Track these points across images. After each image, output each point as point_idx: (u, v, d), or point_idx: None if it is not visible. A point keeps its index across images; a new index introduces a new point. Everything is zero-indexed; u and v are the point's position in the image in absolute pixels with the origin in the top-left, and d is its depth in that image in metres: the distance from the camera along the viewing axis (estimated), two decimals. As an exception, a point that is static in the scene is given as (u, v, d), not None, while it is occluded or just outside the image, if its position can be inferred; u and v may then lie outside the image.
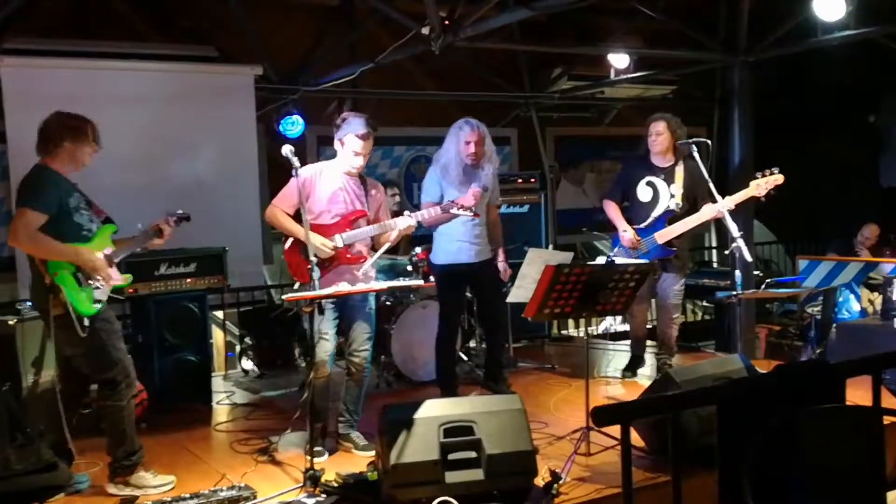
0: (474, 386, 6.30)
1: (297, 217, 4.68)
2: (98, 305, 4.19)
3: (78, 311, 4.08)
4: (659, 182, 5.99)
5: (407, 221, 4.85)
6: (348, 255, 4.79)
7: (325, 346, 4.75)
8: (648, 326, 6.70)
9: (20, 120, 6.46)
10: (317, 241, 4.66)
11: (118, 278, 4.36)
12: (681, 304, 6.32)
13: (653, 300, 6.47)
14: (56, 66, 6.66)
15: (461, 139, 5.46)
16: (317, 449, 4.59)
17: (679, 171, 5.94)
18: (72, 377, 4.44)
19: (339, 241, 4.75)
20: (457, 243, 5.53)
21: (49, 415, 4.53)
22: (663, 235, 5.89)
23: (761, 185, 5.54)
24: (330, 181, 4.81)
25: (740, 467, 2.44)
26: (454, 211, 5.00)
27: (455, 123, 5.55)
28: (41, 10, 7.19)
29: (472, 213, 5.05)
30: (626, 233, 5.94)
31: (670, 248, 5.95)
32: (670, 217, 5.92)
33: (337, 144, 4.83)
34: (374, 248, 5.00)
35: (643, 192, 6.02)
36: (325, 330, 4.71)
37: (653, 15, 7.49)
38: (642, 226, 5.98)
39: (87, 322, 4.12)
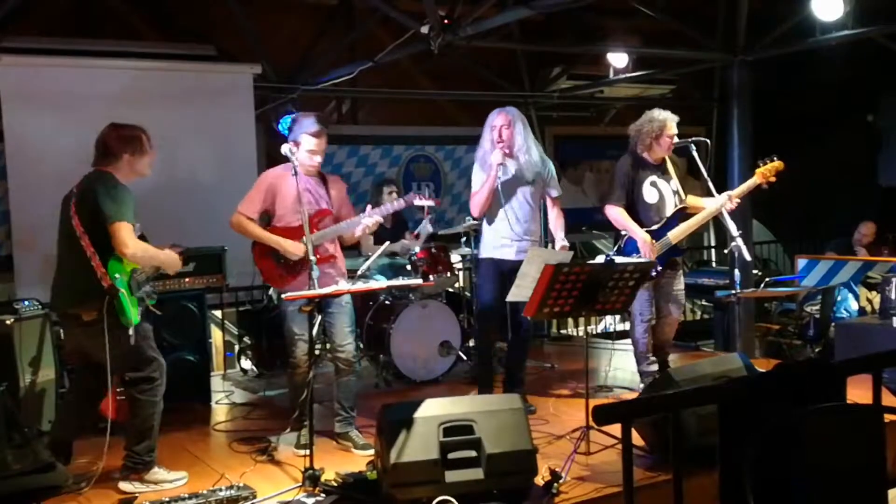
0: (473, 386, 6.29)
1: (262, 222, 4.84)
2: (140, 317, 4.29)
3: (130, 318, 4.16)
4: (660, 181, 5.76)
5: (371, 219, 4.87)
6: (318, 256, 4.74)
7: (303, 348, 4.79)
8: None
9: (19, 119, 6.46)
10: (286, 245, 4.76)
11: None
12: None
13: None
14: (54, 65, 6.66)
15: (488, 126, 5.36)
16: (304, 443, 4.59)
17: (670, 166, 5.78)
18: (90, 376, 4.44)
19: (302, 246, 4.74)
20: (500, 239, 5.34)
21: (63, 414, 4.55)
22: (677, 235, 5.67)
23: (764, 173, 5.52)
24: (289, 185, 4.78)
25: (741, 466, 2.43)
26: (416, 201, 5.06)
27: None
28: (40, 9, 7.19)
29: (433, 202, 5.16)
30: (642, 237, 5.59)
31: (681, 249, 5.82)
32: (681, 215, 5.70)
33: (291, 147, 4.76)
34: (342, 246, 5.08)
35: (649, 194, 5.72)
36: (300, 331, 4.79)
37: (652, 14, 7.49)
38: (654, 228, 5.68)
39: (131, 332, 4.19)
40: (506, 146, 5.27)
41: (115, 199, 4.17)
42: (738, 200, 5.56)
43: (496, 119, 5.33)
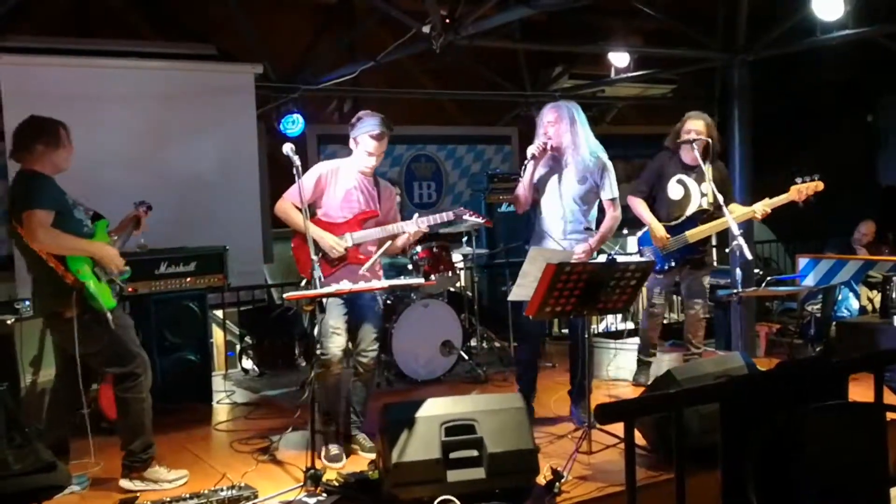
0: (475, 385, 6.30)
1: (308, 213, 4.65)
2: (117, 299, 4.26)
3: (104, 305, 4.14)
4: (690, 181, 5.87)
5: (416, 226, 4.77)
6: (360, 256, 4.74)
7: (338, 341, 4.62)
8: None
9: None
10: (329, 240, 4.65)
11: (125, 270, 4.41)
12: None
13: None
14: (55, 65, 6.66)
15: (539, 121, 5.18)
16: (334, 453, 4.57)
17: (708, 171, 5.74)
18: (74, 375, 4.44)
19: (349, 240, 4.72)
20: (546, 236, 5.17)
21: (52, 413, 4.55)
22: (695, 235, 5.76)
23: (802, 191, 5.54)
24: (345, 179, 4.76)
25: (743, 465, 2.44)
26: (466, 217, 4.95)
27: None
28: (40, 9, 7.19)
29: (483, 221, 5.01)
30: (658, 230, 5.77)
31: (699, 248, 5.85)
32: (703, 217, 5.79)
33: (352, 143, 4.78)
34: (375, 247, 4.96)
35: (674, 190, 5.88)
36: (337, 325, 4.62)
37: (652, 14, 7.50)
38: (672, 224, 5.83)
39: (110, 316, 4.17)
40: (552, 143, 5.09)
41: (27, 189, 4.12)
42: (769, 211, 5.61)
43: (546, 114, 5.13)
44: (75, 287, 4.09)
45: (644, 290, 6.14)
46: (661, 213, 5.89)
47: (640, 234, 6.04)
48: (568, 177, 5.11)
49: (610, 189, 5.15)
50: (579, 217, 5.13)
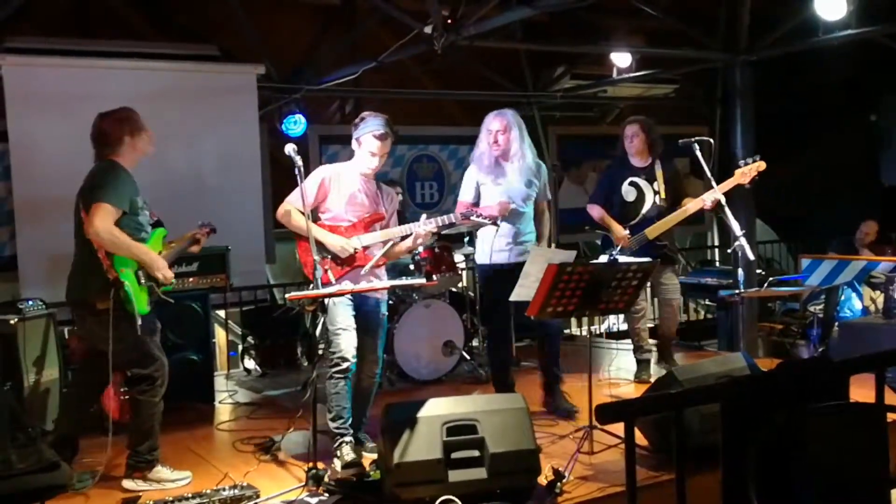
0: (476, 385, 6.30)
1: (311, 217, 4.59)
2: (151, 306, 4.31)
3: (137, 308, 4.18)
4: (641, 181, 6.17)
5: (426, 227, 4.71)
6: (368, 258, 4.69)
7: (350, 338, 4.56)
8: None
9: (23, 119, 6.48)
10: (337, 243, 4.61)
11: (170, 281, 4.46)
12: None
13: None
14: (58, 65, 6.68)
15: (485, 128, 5.38)
16: (350, 458, 4.49)
17: (658, 170, 6.14)
18: (94, 370, 4.47)
19: (357, 243, 4.67)
20: (497, 242, 5.31)
21: (64, 408, 4.57)
22: (653, 231, 6.06)
23: (745, 173, 5.72)
24: (348, 182, 4.71)
25: (744, 465, 2.44)
26: (474, 218, 4.88)
27: None
28: (42, 10, 7.20)
29: (491, 223, 4.94)
30: (617, 231, 6.09)
31: (660, 243, 6.10)
32: (658, 213, 6.10)
33: (354, 144, 4.74)
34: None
35: (628, 193, 6.18)
36: (347, 323, 4.57)
37: (654, 14, 7.49)
38: (632, 223, 6.13)
39: (140, 321, 4.21)
40: (501, 151, 5.31)
41: (104, 182, 4.18)
42: (719, 197, 5.69)
43: (493, 123, 5.34)
44: (115, 285, 4.14)
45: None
46: (618, 215, 6.19)
47: (601, 238, 6.33)
48: (514, 184, 5.30)
49: (546, 192, 5.53)
50: (525, 221, 5.39)
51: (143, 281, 4.25)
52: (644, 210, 6.13)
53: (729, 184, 5.77)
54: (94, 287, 4.20)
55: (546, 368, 5.56)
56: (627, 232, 6.09)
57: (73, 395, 4.66)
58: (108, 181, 4.19)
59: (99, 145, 4.34)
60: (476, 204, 5.34)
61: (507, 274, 5.18)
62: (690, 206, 5.96)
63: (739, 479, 2.46)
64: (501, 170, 5.33)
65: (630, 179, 6.18)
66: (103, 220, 4.09)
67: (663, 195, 6.11)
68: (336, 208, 4.70)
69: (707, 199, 5.80)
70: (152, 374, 4.36)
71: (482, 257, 5.41)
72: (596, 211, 6.27)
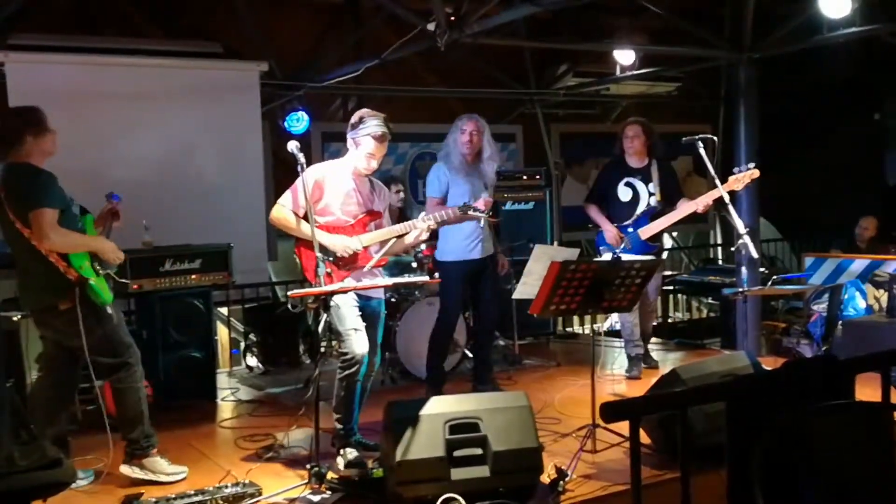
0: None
1: (305, 218, 4.53)
2: (113, 292, 4.31)
3: (102, 299, 4.20)
4: (637, 182, 6.25)
5: (426, 223, 4.72)
6: (370, 258, 4.68)
7: (361, 339, 4.52)
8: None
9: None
10: (340, 243, 4.57)
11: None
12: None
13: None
14: (61, 63, 6.66)
15: (458, 128, 5.59)
16: (353, 457, 4.47)
17: (654, 171, 6.22)
18: (69, 369, 4.45)
19: (358, 243, 4.64)
20: (467, 240, 5.57)
21: (46, 410, 4.54)
22: (646, 231, 6.12)
23: (739, 179, 5.70)
24: (340, 182, 4.67)
25: (749, 464, 2.43)
26: (471, 213, 4.93)
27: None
28: (46, 7, 7.20)
29: (488, 216, 5.15)
30: (610, 231, 6.19)
31: (653, 244, 6.16)
32: (652, 214, 6.17)
33: (350, 144, 4.70)
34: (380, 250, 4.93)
35: (623, 193, 6.27)
36: (356, 324, 4.53)
37: (658, 12, 7.48)
38: (625, 223, 6.21)
39: (109, 310, 4.23)
40: (474, 150, 5.57)
41: (34, 186, 4.11)
42: (710, 202, 5.85)
43: (468, 124, 5.58)
44: (78, 283, 4.12)
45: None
46: (613, 214, 6.28)
47: (597, 236, 6.42)
48: (480, 184, 5.59)
49: (491, 192, 5.73)
50: (487, 221, 5.50)
51: (101, 271, 4.25)
52: (638, 211, 6.21)
53: (718, 192, 5.63)
54: (55, 291, 4.16)
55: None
56: (615, 231, 6.18)
57: (52, 399, 4.58)
58: (34, 186, 4.10)
59: (1, 144, 4.23)
60: (444, 201, 5.51)
61: (473, 269, 5.62)
62: (683, 208, 6.03)
63: (745, 479, 2.45)
64: (468, 169, 5.58)
65: (626, 180, 6.27)
66: (51, 226, 4.04)
67: (658, 196, 6.19)
68: (331, 209, 4.65)
69: (700, 205, 5.89)
70: (128, 361, 4.36)
71: (452, 254, 5.65)
72: (591, 210, 6.39)
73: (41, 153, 4.24)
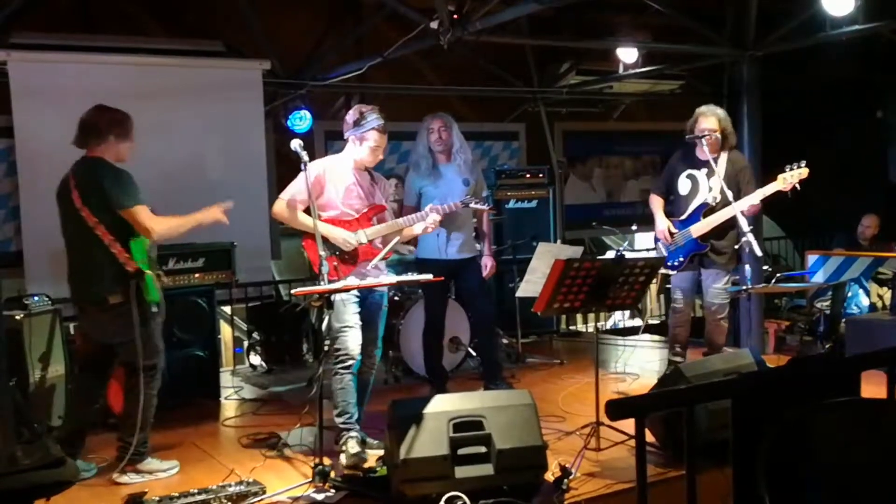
0: (482, 381, 6.28)
1: (308, 213, 4.59)
2: (160, 292, 4.37)
3: (152, 296, 4.27)
4: (699, 175, 5.83)
5: (433, 216, 4.81)
6: (374, 252, 4.71)
7: (355, 336, 4.55)
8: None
9: (28, 115, 6.46)
10: (340, 235, 4.61)
11: None
12: (727, 304, 5.96)
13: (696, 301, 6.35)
14: (63, 61, 6.65)
15: (425, 128, 5.61)
16: (355, 452, 4.47)
17: (721, 163, 5.72)
18: (103, 362, 4.49)
19: (362, 237, 4.67)
20: (443, 239, 5.55)
21: (74, 403, 4.59)
22: (698, 229, 5.71)
23: (787, 179, 5.39)
24: (342, 176, 4.71)
25: (755, 461, 2.42)
26: (472, 205, 5.09)
27: None
28: (48, 5, 7.19)
29: (488, 207, 5.28)
30: (658, 225, 5.89)
31: (703, 243, 5.73)
32: (705, 210, 5.73)
33: (352, 140, 4.73)
34: (384, 243, 4.93)
35: (683, 185, 5.91)
36: (352, 321, 4.56)
37: (661, 9, 7.46)
38: (681, 219, 5.85)
39: (154, 309, 4.30)
40: (444, 146, 5.57)
41: (122, 184, 4.22)
42: (756, 202, 5.55)
43: (433, 122, 5.60)
44: (135, 276, 4.17)
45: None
46: (673, 208, 5.96)
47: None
48: (457, 180, 5.56)
49: (483, 188, 5.75)
50: (467, 215, 5.58)
51: (153, 268, 4.32)
52: (693, 205, 5.81)
53: (769, 189, 5.47)
54: (109, 282, 4.22)
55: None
56: (665, 226, 5.84)
57: (80, 391, 4.65)
58: (122, 183, 4.25)
59: (84, 134, 4.37)
60: (417, 208, 5.41)
61: (450, 269, 5.57)
62: (729, 209, 5.50)
63: (750, 476, 2.44)
64: (439, 173, 5.58)
65: (688, 172, 5.88)
66: (153, 220, 4.22)
67: (718, 192, 5.66)
68: (333, 203, 4.69)
69: (746, 206, 5.50)
70: (156, 365, 4.41)
71: (425, 252, 5.66)
72: (652, 201, 6.04)
73: (115, 155, 4.37)
